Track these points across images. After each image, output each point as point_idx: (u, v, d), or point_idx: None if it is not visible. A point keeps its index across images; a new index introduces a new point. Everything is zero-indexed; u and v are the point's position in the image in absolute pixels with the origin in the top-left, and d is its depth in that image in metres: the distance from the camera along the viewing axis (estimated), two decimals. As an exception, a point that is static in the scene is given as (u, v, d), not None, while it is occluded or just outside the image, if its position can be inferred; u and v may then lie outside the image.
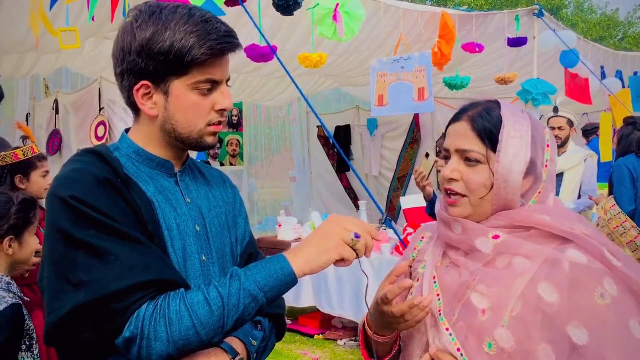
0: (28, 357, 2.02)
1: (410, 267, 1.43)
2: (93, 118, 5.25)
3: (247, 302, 1.15)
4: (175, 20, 1.22)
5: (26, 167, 3.10)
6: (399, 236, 4.02)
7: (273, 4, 3.81)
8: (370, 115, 6.66)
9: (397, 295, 1.26)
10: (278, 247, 5.43)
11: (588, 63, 5.89)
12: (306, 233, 5.70)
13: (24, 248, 2.20)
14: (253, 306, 1.16)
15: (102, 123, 5.17)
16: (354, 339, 5.41)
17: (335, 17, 3.99)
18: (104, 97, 5.21)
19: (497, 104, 1.33)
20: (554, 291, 1.18)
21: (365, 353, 1.44)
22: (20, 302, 2.04)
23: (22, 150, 3.11)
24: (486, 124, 1.29)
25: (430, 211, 3.34)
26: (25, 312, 2.03)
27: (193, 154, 1.44)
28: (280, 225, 6.00)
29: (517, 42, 5.47)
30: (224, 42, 1.24)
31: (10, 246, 2.15)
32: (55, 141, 5.75)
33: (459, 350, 1.21)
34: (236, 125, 7.52)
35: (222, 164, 7.32)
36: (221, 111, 1.29)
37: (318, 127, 8.15)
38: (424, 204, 3.37)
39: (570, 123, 4.88)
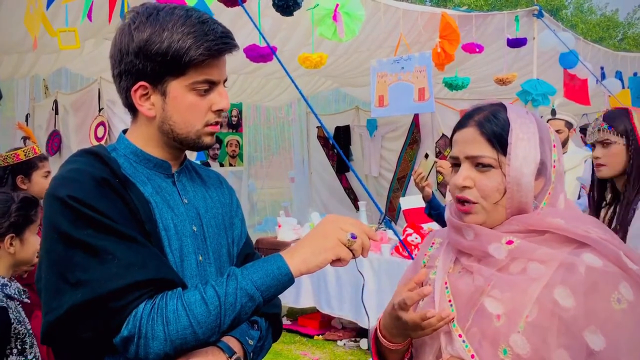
0: None
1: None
2: (92, 118, 5.25)
3: (244, 301, 1.16)
4: (173, 22, 1.22)
5: (27, 167, 3.10)
6: (398, 237, 4.02)
7: (273, 4, 3.81)
8: (370, 115, 6.68)
9: (415, 302, 1.24)
10: (277, 248, 5.42)
11: (587, 64, 5.90)
12: (305, 233, 5.70)
13: (25, 247, 2.18)
14: (250, 305, 1.17)
15: (102, 123, 5.17)
16: (353, 339, 5.41)
17: (335, 18, 3.99)
18: (104, 98, 5.21)
19: (502, 106, 1.32)
20: (570, 296, 1.16)
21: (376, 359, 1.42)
22: (5, 305, 1.99)
23: (23, 151, 3.12)
24: (494, 127, 1.27)
25: (428, 212, 3.34)
26: (12, 316, 1.98)
27: (192, 155, 1.44)
28: (279, 226, 6.01)
29: (516, 43, 5.48)
30: (221, 42, 1.24)
31: (11, 244, 2.14)
32: (54, 141, 5.75)
33: (472, 357, 1.20)
34: (236, 126, 7.52)
35: (221, 165, 7.32)
36: (218, 111, 1.30)
37: (318, 127, 8.16)
38: (423, 204, 3.37)
39: (569, 125, 4.90)
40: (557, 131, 4.87)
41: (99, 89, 5.25)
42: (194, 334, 1.13)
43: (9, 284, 2.10)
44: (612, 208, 2.50)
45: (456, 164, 1.32)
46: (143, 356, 1.12)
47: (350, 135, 8.08)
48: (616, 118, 2.45)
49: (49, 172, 3.20)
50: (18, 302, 2.10)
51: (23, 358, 1.99)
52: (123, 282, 1.11)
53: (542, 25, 5.59)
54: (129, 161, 1.30)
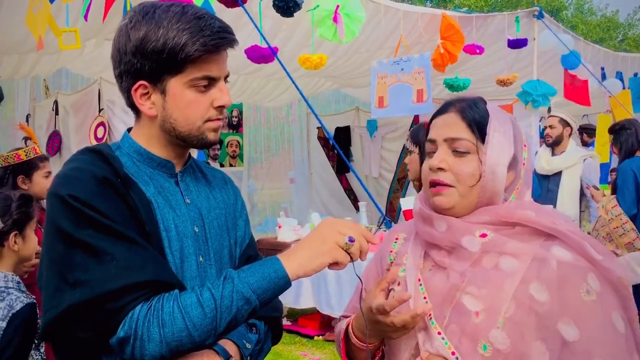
0: (36, 355, 2.05)
1: (388, 270, 1.41)
2: (92, 119, 5.25)
3: (240, 304, 1.15)
4: (168, 19, 1.22)
5: (28, 167, 3.11)
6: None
7: (273, 5, 3.82)
8: (370, 116, 6.67)
9: (395, 307, 1.24)
10: (278, 248, 5.43)
11: (588, 64, 5.90)
12: (306, 234, 5.70)
13: (27, 243, 2.24)
14: (246, 308, 1.16)
15: (102, 124, 5.17)
16: (353, 340, 5.40)
17: (335, 19, 4.00)
18: (104, 98, 5.22)
19: (481, 99, 1.36)
20: (545, 290, 1.19)
21: None
22: (35, 300, 2.07)
23: (24, 151, 3.12)
24: (475, 115, 1.30)
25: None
26: (37, 311, 2.06)
27: (193, 155, 1.44)
28: (280, 227, 6.00)
29: (517, 44, 5.48)
30: (218, 37, 1.23)
31: (15, 242, 2.19)
32: (54, 142, 5.75)
33: (453, 353, 1.20)
34: (236, 126, 7.53)
35: (221, 165, 7.32)
36: (220, 108, 1.28)
37: (318, 128, 8.16)
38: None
39: (564, 122, 4.92)
40: (550, 126, 4.95)
41: (99, 90, 5.25)
42: (190, 337, 1.12)
43: (21, 282, 2.16)
44: None
45: (431, 151, 1.33)
46: (139, 358, 1.12)
47: (351, 135, 8.08)
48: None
49: (49, 172, 3.20)
50: None
51: (37, 352, 2.06)
52: (120, 283, 1.11)
53: (543, 26, 5.59)
54: (132, 160, 1.30)
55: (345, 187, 8.13)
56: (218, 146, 7.26)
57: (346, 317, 1.49)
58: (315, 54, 4.41)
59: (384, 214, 3.64)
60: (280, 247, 5.49)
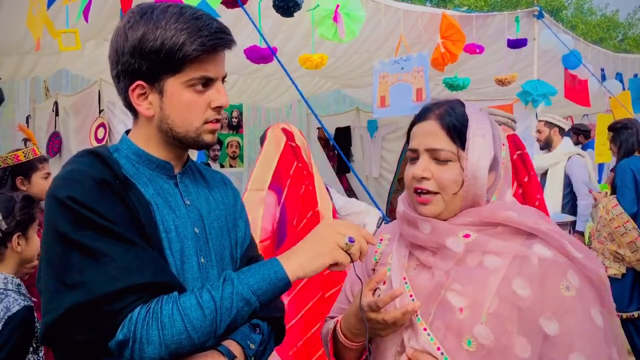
0: (34, 359, 2.03)
1: (374, 270, 1.43)
2: (93, 120, 5.24)
3: (240, 305, 1.15)
4: (166, 19, 1.22)
5: (27, 168, 3.11)
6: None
7: (273, 5, 3.81)
8: (370, 116, 6.68)
9: (387, 303, 1.26)
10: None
11: (589, 65, 5.90)
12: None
13: (30, 245, 2.24)
14: (246, 310, 1.16)
15: (102, 125, 5.16)
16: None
17: (335, 18, 3.99)
18: (104, 99, 5.21)
19: (459, 102, 1.37)
20: (527, 286, 1.22)
21: None
22: (32, 304, 2.07)
23: (23, 152, 3.12)
24: (454, 121, 1.31)
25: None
26: (35, 314, 2.06)
27: (193, 156, 1.44)
28: (280, 227, 5.99)
29: (517, 44, 5.47)
30: (216, 38, 1.23)
31: (18, 243, 2.19)
32: (55, 143, 5.75)
33: (438, 349, 1.23)
34: (236, 127, 7.53)
35: (222, 166, 7.32)
36: (217, 108, 1.28)
37: (318, 128, 8.16)
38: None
39: (549, 124, 5.06)
40: (538, 131, 5.09)
41: (99, 91, 5.25)
42: (189, 339, 1.12)
43: (22, 284, 2.16)
44: None
45: (413, 158, 1.36)
46: None
47: (351, 136, 8.08)
48: None
49: (48, 173, 3.20)
50: None
51: (36, 356, 2.05)
52: (119, 286, 1.10)
53: (543, 26, 5.58)
54: (131, 162, 1.29)
55: (346, 187, 8.13)
56: (218, 147, 7.26)
57: (332, 317, 1.52)
58: (316, 53, 4.40)
59: (384, 214, 3.63)
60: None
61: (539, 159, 5.09)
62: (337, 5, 3.98)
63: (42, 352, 2.09)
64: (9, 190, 2.91)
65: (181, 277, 1.23)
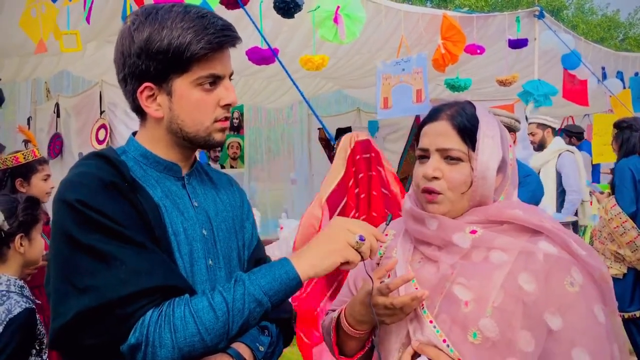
0: None
1: (378, 264, 1.44)
2: (94, 121, 5.24)
3: (252, 306, 1.14)
4: (172, 19, 1.21)
5: (27, 170, 3.11)
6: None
7: (273, 7, 3.81)
8: (371, 117, 6.67)
9: (398, 286, 1.28)
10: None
11: (588, 64, 5.90)
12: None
13: (33, 246, 2.24)
14: (258, 311, 1.15)
15: (103, 126, 5.17)
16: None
17: (336, 20, 3.99)
18: (105, 101, 5.21)
19: (470, 103, 1.39)
20: (532, 281, 1.24)
21: (337, 349, 1.45)
22: (34, 306, 2.07)
23: (23, 154, 3.12)
24: (465, 122, 1.33)
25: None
26: (37, 317, 2.06)
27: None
28: (281, 228, 5.99)
29: (517, 44, 5.48)
30: (222, 35, 1.23)
31: (21, 244, 2.19)
32: (56, 144, 5.75)
33: (444, 341, 1.24)
34: (237, 128, 7.52)
35: (222, 167, 7.31)
36: (227, 106, 1.28)
37: (319, 129, 8.15)
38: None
39: (542, 126, 5.07)
40: (531, 134, 5.10)
41: (100, 92, 5.25)
42: (202, 341, 1.11)
43: (25, 286, 2.15)
44: None
45: (423, 157, 1.37)
46: None
47: (352, 136, 8.06)
48: None
49: (48, 175, 3.20)
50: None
51: (39, 359, 2.04)
52: (130, 289, 1.09)
53: (543, 26, 5.59)
54: (138, 164, 1.29)
55: (347, 188, 8.12)
56: (219, 147, 7.24)
57: (334, 310, 1.53)
58: (317, 54, 4.40)
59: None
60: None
61: (531, 159, 5.11)
62: (338, 7, 3.98)
63: (46, 355, 2.08)
64: (9, 192, 2.91)
65: (190, 279, 1.23)
